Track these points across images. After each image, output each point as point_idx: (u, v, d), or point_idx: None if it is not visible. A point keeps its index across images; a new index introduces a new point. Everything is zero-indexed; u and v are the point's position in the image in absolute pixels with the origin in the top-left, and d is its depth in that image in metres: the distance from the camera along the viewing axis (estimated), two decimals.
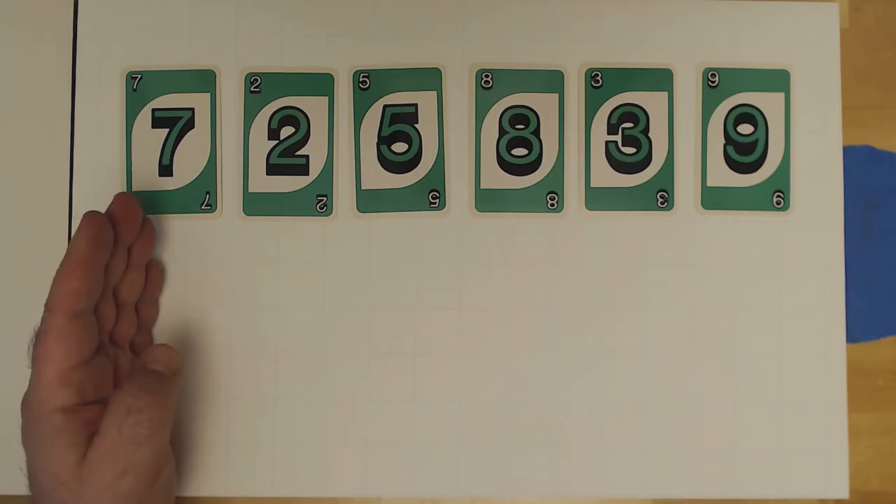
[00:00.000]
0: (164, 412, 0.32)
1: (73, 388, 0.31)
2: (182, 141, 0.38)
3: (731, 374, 0.37)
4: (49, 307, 0.31)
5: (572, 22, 0.38)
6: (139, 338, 0.36)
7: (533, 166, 0.38)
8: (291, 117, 0.38)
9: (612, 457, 0.37)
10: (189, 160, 0.38)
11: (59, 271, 0.31)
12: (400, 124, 0.38)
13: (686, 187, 0.38)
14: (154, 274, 0.37)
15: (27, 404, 0.31)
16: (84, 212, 0.32)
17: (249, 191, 0.38)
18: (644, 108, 0.38)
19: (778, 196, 0.38)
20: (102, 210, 0.33)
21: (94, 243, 0.32)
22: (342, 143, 0.38)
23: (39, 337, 0.31)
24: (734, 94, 0.38)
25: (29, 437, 0.31)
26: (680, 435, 0.37)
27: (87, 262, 0.31)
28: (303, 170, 0.38)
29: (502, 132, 0.38)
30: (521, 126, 0.38)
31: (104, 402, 0.31)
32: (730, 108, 0.38)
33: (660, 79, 0.38)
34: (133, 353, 0.35)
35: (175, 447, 0.37)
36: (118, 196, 0.34)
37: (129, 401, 0.31)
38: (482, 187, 0.38)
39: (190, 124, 0.38)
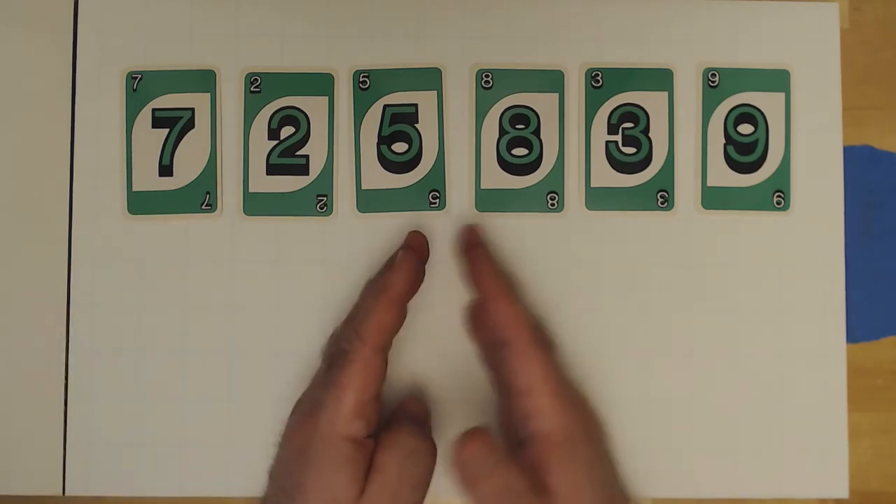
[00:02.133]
0: (434, 463, 0.32)
1: (364, 420, 0.31)
2: (182, 141, 0.38)
3: (731, 374, 0.37)
4: (361, 337, 0.31)
5: (572, 22, 0.38)
6: None
7: (533, 166, 0.38)
8: (291, 117, 0.38)
9: None
10: (189, 160, 0.38)
11: (373, 303, 0.32)
12: (400, 124, 0.38)
13: (686, 187, 0.38)
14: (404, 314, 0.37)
15: (316, 425, 0.30)
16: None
17: (249, 191, 0.38)
18: (644, 107, 0.38)
19: (778, 196, 0.38)
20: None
21: (410, 282, 0.32)
22: (342, 143, 0.38)
23: (345, 363, 0.31)
24: (734, 94, 0.38)
25: (303, 457, 0.31)
26: (680, 435, 0.37)
27: (401, 300, 0.32)
28: (303, 170, 0.38)
29: (502, 132, 0.38)
30: (522, 126, 0.38)
31: (375, 437, 0.32)
32: (730, 108, 0.38)
33: (660, 79, 0.38)
34: None
35: (174, 447, 0.37)
36: (416, 234, 0.35)
37: (412, 442, 0.31)
38: (482, 187, 0.38)
39: (190, 124, 0.38)
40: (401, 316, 0.33)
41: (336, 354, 0.32)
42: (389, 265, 0.33)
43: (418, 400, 0.35)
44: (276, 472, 0.32)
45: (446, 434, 0.37)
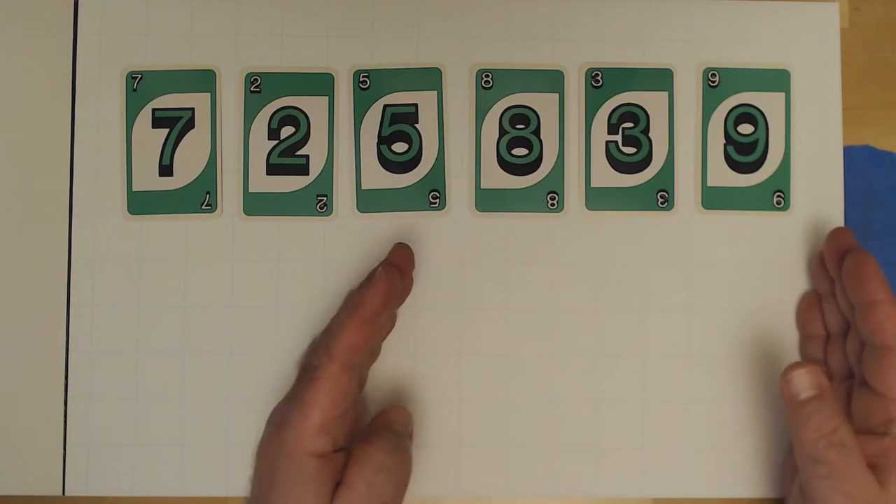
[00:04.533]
0: (408, 475, 0.32)
1: (330, 436, 0.30)
2: (182, 141, 0.38)
3: (731, 374, 0.37)
4: (330, 353, 0.31)
5: (572, 22, 0.38)
6: None
7: (533, 166, 0.38)
8: (291, 117, 0.38)
9: (612, 457, 0.37)
10: (189, 160, 0.38)
11: (346, 319, 0.31)
12: (400, 124, 0.38)
13: (686, 187, 0.38)
14: (391, 321, 0.36)
15: (282, 440, 0.30)
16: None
17: (249, 191, 0.38)
18: (644, 107, 0.38)
19: (778, 196, 0.38)
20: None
21: (385, 300, 0.32)
22: (342, 142, 0.38)
23: (312, 380, 0.30)
24: (734, 93, 0.38)
25: (271, 472, 0.30)
26: (679, 435, 0.37)
27: (374, 318, 0.31)
28: (303, 170, 0.38)
29: (502, 132, 0.38)
30: (522, 126, 0.38)
31: (346, 451, 0.31)
32: (730, 107, 0.38)
33: (660, 79, 0.38)
34: None
35: (174, 447, 0.37)
36: (400, 247, 0.35)
37: (381, 457, 0.31)
38: (482, 187, 0.38)
39: (190, 124, 0.38)
40: (373, 333, 0.32)
41: (306, 369, 0.31)
42: (367, 280, 0.33)
43: (401, 407, 0.35)
44: (252, 484, 0.32)
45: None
